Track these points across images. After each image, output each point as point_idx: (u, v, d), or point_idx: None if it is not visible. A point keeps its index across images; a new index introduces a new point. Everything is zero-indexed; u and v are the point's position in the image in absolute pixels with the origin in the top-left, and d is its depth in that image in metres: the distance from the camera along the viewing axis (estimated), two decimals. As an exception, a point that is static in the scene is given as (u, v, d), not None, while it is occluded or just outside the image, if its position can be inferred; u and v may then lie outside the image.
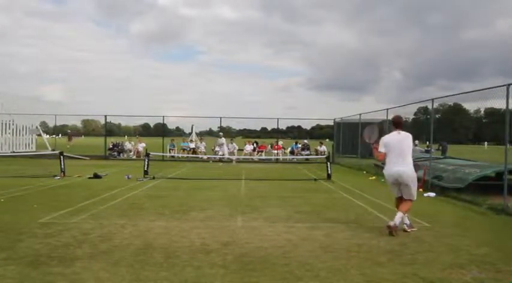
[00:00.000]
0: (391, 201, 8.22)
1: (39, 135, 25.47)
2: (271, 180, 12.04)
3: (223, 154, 20.38)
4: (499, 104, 7.86)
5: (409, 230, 5.50)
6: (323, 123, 57.57)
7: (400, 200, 5.67)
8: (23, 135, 24.15)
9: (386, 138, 5.68)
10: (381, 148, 5.64)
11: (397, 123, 5.76)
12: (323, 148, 23.75)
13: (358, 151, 18.57)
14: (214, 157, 20.30)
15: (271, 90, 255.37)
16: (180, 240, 4.93)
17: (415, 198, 5.59)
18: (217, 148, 21.32)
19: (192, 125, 26.02)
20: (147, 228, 5.54)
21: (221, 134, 21.65)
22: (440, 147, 20.81)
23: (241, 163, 19.86)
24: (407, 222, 5.60)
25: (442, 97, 11.02)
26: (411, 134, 5.67)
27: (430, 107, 10.99)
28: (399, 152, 5.47)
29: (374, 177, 13.40)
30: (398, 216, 5.37)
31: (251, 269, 3.92)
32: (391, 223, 5.31)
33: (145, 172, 12.22)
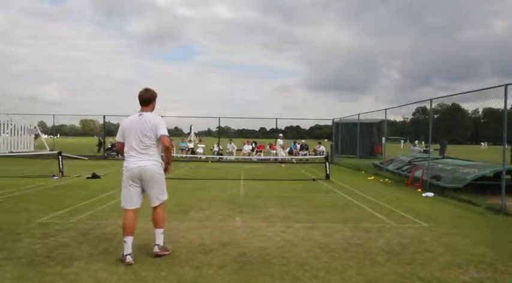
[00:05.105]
0: (390, 201, 8.26)
1: (38, 135, 25.40)
2: (269, 180, 12.05)
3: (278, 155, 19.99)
4: (497, 103, 7.89)
5: (161, 254, 4.23)
6: (322, 123, 57.97)
7: (133, 214, 4.24)
8: (21, 135, 24.10)
9: (125, 123, 4.27)
10: (118, 137, 4.29)
11: (143, 100, 4.29)
12: (322, 148, 23.78)
13: (357, 152, 18.63)
14: (213, 158, 20.28)
15: (269, 90, 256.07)
16: (178, 240, 4.92)
17: (166, 196, 4.40)
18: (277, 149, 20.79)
19: (191, 125, 26.09)
20: (146, 228, 5.51)
21: (281, 135, 20.91)
22: (440, 146, 20.88)
23: (240, 163, 19.84)
24: (161, 242, 4.29)
25: (440, 97, 11.05)
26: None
27: (428, 107, 11.00)
28: (138, 141, 4.14)
29: (373, 177, 13.42)
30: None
31: (250, 269, 3.93)
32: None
33: (144, 173, 12.17)
